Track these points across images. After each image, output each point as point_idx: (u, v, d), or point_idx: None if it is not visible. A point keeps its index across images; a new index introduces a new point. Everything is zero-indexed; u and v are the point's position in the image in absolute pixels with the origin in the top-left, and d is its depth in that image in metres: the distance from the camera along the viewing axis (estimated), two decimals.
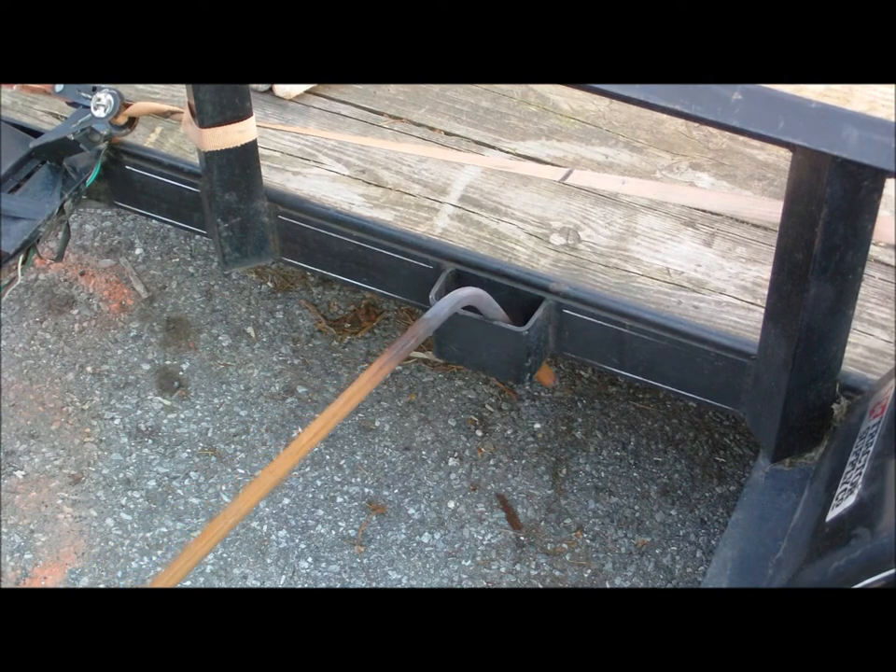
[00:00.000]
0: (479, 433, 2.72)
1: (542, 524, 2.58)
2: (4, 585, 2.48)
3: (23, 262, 2.34)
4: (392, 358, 1.97)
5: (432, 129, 2.50)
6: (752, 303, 2.17)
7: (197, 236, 3.06)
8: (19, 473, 2.65)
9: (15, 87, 2.56)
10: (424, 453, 2.69)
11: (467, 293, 2.13)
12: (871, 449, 1.78)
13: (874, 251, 2.18)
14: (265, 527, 2.57)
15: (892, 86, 2.35)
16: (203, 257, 3.06)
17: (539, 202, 2.34)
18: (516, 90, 2.56)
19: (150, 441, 2.70)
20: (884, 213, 1.89)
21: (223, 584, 2.48)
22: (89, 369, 2.83)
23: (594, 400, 2.78)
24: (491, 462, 2.68)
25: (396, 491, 2.63)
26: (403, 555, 2.53)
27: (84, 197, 2.47)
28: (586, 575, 2.51)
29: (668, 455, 2.69)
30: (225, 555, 2.52)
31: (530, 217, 2.32)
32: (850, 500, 1.72)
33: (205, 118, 2.16)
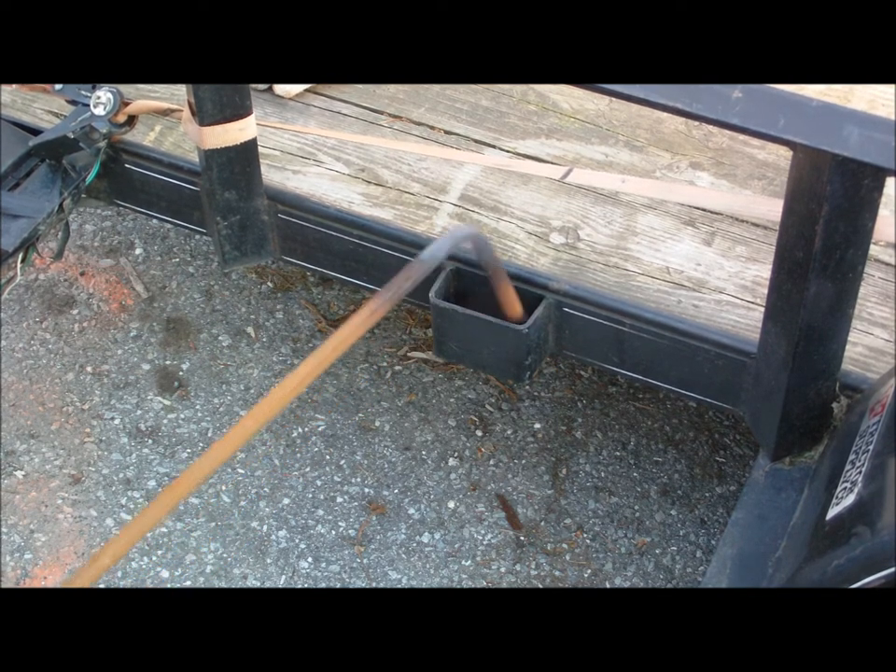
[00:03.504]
0: (479, 433, 2.72)
1: (542, 524, 2.58)
2: (4, 585, 2.47)
3: (23, 261, 2.33)
4: (385, 302, 1.81)
5: (432, 128, 2.50)
6: (752, 302, 2.17)
7: (197, 236, 3.06)
8: (19, 473, 2.65)
9: (15, 85, 2.55)
10: (424, 453, 2.69)
11: (465, 232, 2.02)
12: (871, 447, 1.78)
13: (874, 250, 2.18)
14: (265, 527, 2.57)
15: (892, 85, 2.35)
16: (203, 257, 3.06)
17: (539, 200, 2.34)
18: (516, 88, 2.56)
19: (150, 441, 2.70)
20: (884, 212, 1.89)
21: (223, 584, 2.48)
22: (89, 369, 2.83)
23: (594, 400, 2.78)
24: (491, 462, 2.68)
25: (396, 491, 2.63)
26: (403, 555, 2.53)
27: (83, 195, 2.47)
28: (586, 575, 2.51)
29: (668, 454, 2.68)
30: (225, 555, 2.52)
31: (530, 216, 2.32)
32: (850, 499, 1.72)
33: (205, 116, 2.16)
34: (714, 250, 2.26)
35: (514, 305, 2.13)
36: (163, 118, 2.48)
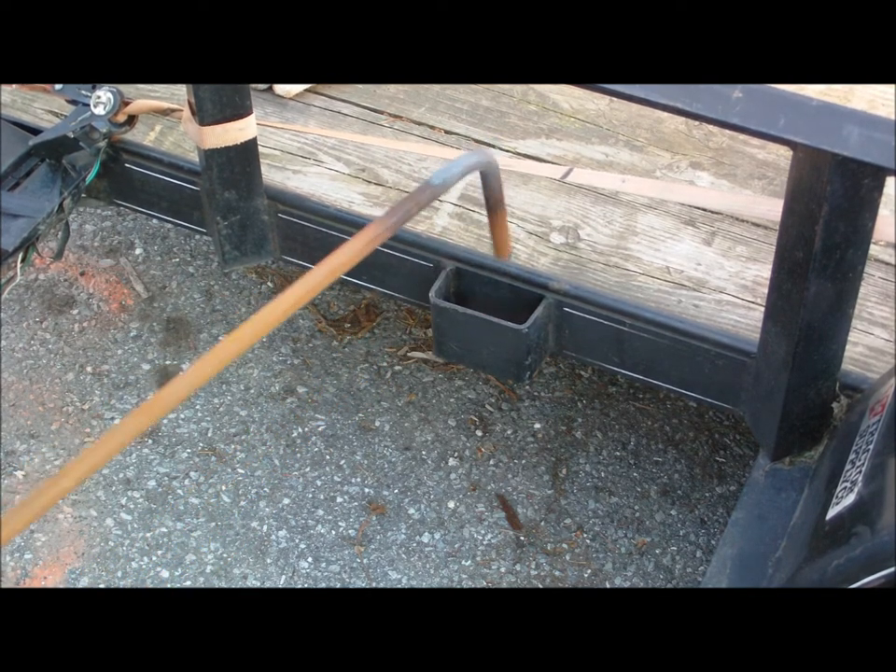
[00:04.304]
0: (479, 433, 2.72)
1: (542, 524, 2.58)
2: (4, 585, 2.47)
3: (23, 260, 2.33)
4: (389, 228, 1.67)
5: (432, 127, 2.50)
6: (752, 302, 2.17)
7: (197, 236, 3.05)
8: (19, 473, 2.65)
9: (15, 85, 2.55)
10: (424, 453, 2.69)
11: (480, 158, 1.79)
12: (871, 447, 1.78)
13: (874, 250, 2.18)
14: (265, 527, 2.57)
15: (892, 85, 2.35)
16: (203, 257, 3.06)
17: (539, 200, 2.34)
18: (516, 88, 2.56)
19: (150, 441, 2.70)
20: (884, 211, 1.89)
21: (223, 584, 2.48)
22: (89, 369, 2.83)
23: (594, 400, 2.78)
24: (491, 462, 2.67)
25: (396, 491, 2.63)
26: (403, 555, 2.53)
27: (83, 195, 2.47)
28: (586, 575, 2.51)
29: (668, 454, 2.68)
30: (225, 555, 2.52)
31: (530, 216, 2.32)
32: (850, 498, 1.72)
33: (205, 115, 2.16)
34: (714, 250, 2.26)
35: (505, 246, 1.93)
36: (163, 118, 2.48)
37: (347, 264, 1.68)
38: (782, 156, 2.38)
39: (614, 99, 2.22)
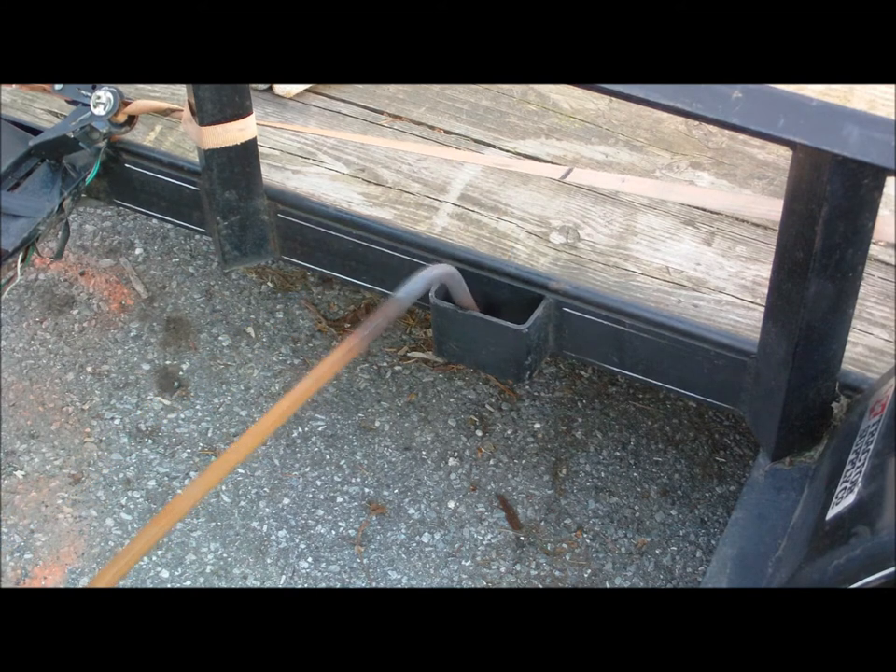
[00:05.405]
0: (479, 433, 2.72)
1: (542, 524, 2.58)
2: (4, 585, 2.47)
3: (23, 260, 2.33)
4: (362, 340, 1.91)
5: (432, 127, 2.50)
6: (752, 302, 2.17)
7: (197, 236, 3.05)
8: (19, 473, 2.65)
9: (15, 85, 2.55)
10: (424, 453, 2.69)
11: (440, 271, 2.10)
12: (871, 447, 1.78)
13: (874, 250, 2.18)
14: (265, 527, 2.57)
15: (892, 85, 2.35)
16: (203, 257, 3.06)
17: (539, 200, 2.34)
18: (516, 88, 2.56)
19: (150, 441, 2.70)
20: (884, 212, 1.89)
21: (223, 584, 2.48)
22: (89, 369, 2.83)
23: (594, 400, 2.78)
24: (491, 462, 2.67)
25: (396, 491, 2.63)
26: (403, 555, 2.53)
27: (83, 195, 2.47)
28: (586, 575, 2.51)
29: (668, 454, 2.68)
30: (225, 555, 2.52)
31: (530, 216, 2.32)
32: (850, 499, 1.72)
33: (205, 116, 2.16)
34: (714, 250, 2.26)
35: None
36: (163, 118, 2.48)
37: (327, 375, 1.91)
38: (782, 156, 2.38)
39: (614, 99, 2.22)
